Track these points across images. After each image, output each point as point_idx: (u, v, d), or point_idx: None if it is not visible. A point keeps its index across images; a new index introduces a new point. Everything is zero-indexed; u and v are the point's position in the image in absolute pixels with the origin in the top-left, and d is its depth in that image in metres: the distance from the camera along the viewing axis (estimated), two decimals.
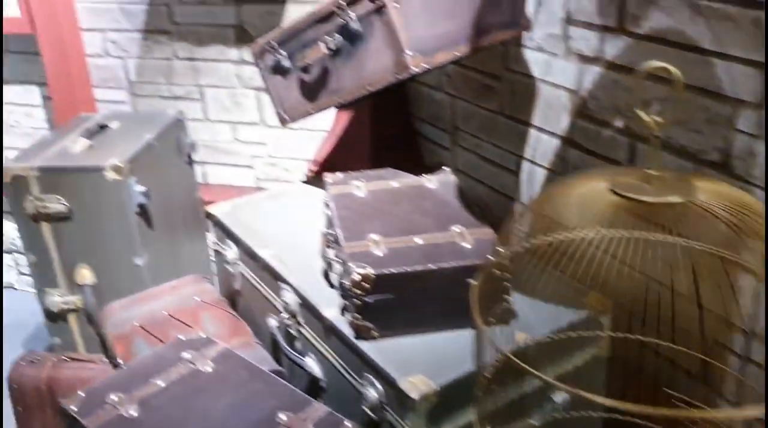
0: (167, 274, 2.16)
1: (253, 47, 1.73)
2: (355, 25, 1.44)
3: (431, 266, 1.23)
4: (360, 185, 1.49)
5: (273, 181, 2.56)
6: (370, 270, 1.21)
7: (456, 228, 1.32)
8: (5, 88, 2.69)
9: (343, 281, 1.27)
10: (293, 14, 2.27)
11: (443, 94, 1.97)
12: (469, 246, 1.27)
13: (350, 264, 1.23)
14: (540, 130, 1.63)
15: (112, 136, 2.14)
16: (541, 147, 1.63)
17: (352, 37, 1.45)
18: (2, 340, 2.76)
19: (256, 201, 1.83)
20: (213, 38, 2.40)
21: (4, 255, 2.95)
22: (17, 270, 2.97)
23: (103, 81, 2.58)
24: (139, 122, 2.22)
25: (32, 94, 2.68)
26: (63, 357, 1.87)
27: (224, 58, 2.42)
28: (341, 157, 2.19)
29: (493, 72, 1.74)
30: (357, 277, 1.20)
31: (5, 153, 2.72)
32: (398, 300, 1.23)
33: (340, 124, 2.20)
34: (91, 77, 2.58)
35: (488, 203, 1.86)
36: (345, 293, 1.27)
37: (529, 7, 1.56)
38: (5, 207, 2.10)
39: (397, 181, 1.52)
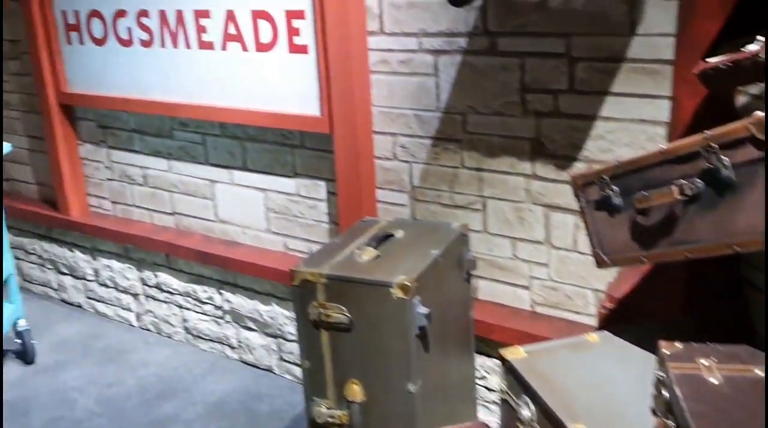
0: (437, 403, 2.00)
1: (576, 176, 1.55)
2: (727, 173, 1.19)
3: None
4: (710, 366, 1.21)
5: (552, 307, 2.33)
6: None
7: None
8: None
9: None
10: (600, 131, 2.08)
11: None
12: None
13: None
14: None
15: (399, 247, 2.07)
16: None
17: (720, 185, 1.21)
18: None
19: (555, 350, 1.61)
20: (505, 149, 2.28)
21: (268, 338, 3.03)
22: (279, 355, 3.03)
23: (387, 183, 2.57)
24: (425, 234, 2.14)
25: (319, 188, 2.76)
26: None
27: (514, 170, 2.28)
28: (644, 297, 1.90)
29: None
30: None
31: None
32: None
33: None
34: (376, 178, 2.58)
35: None
36: None
37: None
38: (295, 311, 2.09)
39: (760, 366, 1.20)
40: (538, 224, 2.29)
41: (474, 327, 2.30)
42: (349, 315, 1.91)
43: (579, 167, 2.15)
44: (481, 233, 2.40)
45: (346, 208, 2.60)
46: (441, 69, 2.33)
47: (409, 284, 1.82)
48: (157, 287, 3.38)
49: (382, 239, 2.10)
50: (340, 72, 2.45)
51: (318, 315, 1.94)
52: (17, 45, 3.61)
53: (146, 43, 2.97)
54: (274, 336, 3.02)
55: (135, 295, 3.49)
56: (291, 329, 2.94)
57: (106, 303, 3.63)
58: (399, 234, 2.15)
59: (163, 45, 2.92)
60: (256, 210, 2.98)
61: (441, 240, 2.08)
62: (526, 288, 2.37)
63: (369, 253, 2.01)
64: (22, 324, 3.20)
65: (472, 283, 2.27)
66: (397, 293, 1.83)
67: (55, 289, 3.87)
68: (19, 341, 3.21)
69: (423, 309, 1.85)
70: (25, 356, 3.22)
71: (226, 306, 3.15)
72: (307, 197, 2.82)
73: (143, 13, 2.93)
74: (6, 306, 3.15)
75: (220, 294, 3.15)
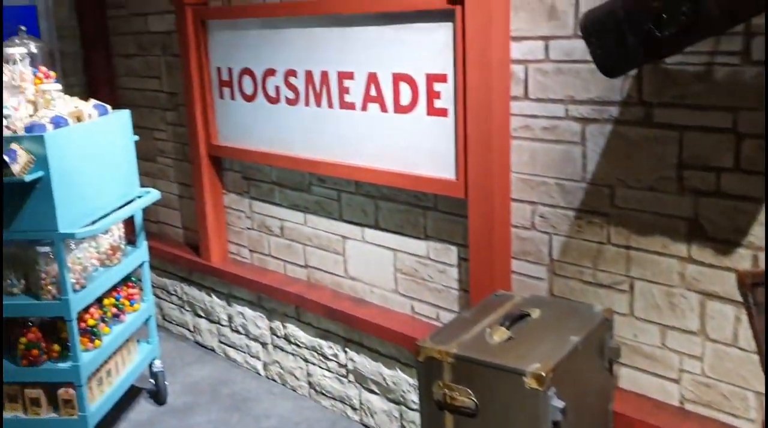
0: None
1: (744, 274, 1.36)
2: None
3: None
4: None
5: (704, 405, 2.08)
6: None
7: None
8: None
9: None
10: None
11: None
12: None
13: None
14: None
15: (534, 329, 1.93)
16: None
17: None
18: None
19: None
20: (657, 228, 2.09)
21: (390, 404, 2.94)
22: (401, 423, 2.93)
23: (523, 253, 2.44)
24: (564, 316, 1.99)
25: (450, 253, 2.67)
26: None
27: (667, 251, 2.08)
28: None
29: None
30: None
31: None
32: None
33: None
34: (512, 247, 2.46)
35: None
36: None
37: None
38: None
39: None
40: (692, 312, 2.06)
41: (613, 421, 2.09)
42: (475, 400, 1.79)
43: (742, 254, 1.92)
44: (626, 316, 2.21)
45: (478, 277, 2.49)
46: (588, 138, 2.19)
47: (544, 374, 1.68)
48: (286, 338, 3.40)
49: (516, 318, 1.97)
50: (479, 136, 2.37)
51: (443, 396, 1.84)
52: (175, 97, 3.84)
53: (292, 101, 3.05)
54: (397, 403, 2.93)
55: (264, 344, 3.54)
56: (414, 397, 2.84)
57: (237, 350, 3.70)
58: (535, 314, 2.01)
59: (307, 104, 2.98)
60: (384, 269, 2.94)
61: (582, 325, 1.92)
62: (675, 381, 2.14)
63: (501, 334, 1.89)
64: (158, 365, 3.32)
65: (614, 373, 2.07)
66: (530, 383, 1.69)
67: (191, 331, 4.01)
68: (153, 381, 3.32)
69: (558, 403, 1.70)
70: (158, 397, 3.32)
71: (350, 365, 3.11)
72: (437, 261, 2.74)
73: (291, 73, 3.02)
74: (143, 346, 3.29)
75: (345, 352, 3.12)
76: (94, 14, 4.19)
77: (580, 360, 1.85)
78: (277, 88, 3.10)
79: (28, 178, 2.43)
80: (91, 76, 4.27)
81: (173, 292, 4.08)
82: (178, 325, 4.10)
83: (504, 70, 2.32)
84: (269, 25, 3.07)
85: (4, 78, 2.69)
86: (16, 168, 2.41)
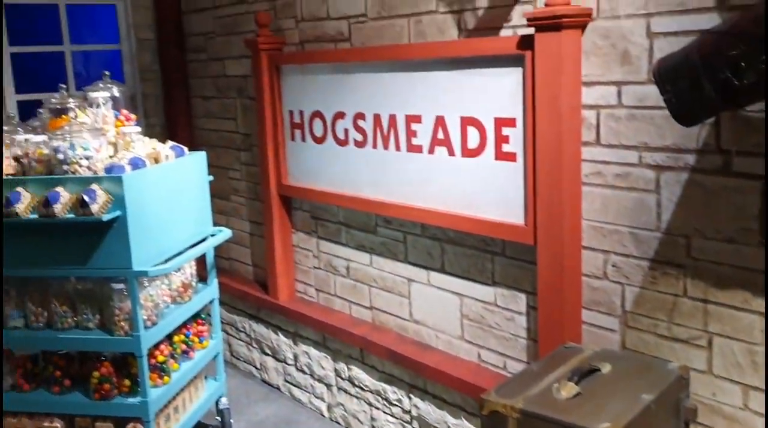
0: None
1: None
2: None
3: None
4: None
5: None
6: None
7: None
8: None
9: None
10: None
11: None
12: None
13: None
14: None
15: (604, 385, 1.85)
16: None
17: None
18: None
19: None
20: (737, 282, 1.98)
21: None
22: None
23: (594, 303, 2.35)
24: (636, 372, 1.90)
25: (519, 300, 2.61)
26: None
27: (748, 306, 1.97)
28: None
29: None
30: None
31: None
32: None
33: None
34: (583, 297, 2.38)
35: None
36: None
37: None
38: None
39: None
40: None
41: None
42: None
43: None
44: (704, 374, 2.09)
45: (547, 326, 2.41)
46: (663, 186, 2.11)
47: None
48: (350, 380, 3.38)
49: (586, 373, 1.89)
50: (548, 182, 2.32)
51: None
52: (249, 138, 3.95)
53: (360, 144, 3.08)
54: None
55: (328, 386, 3.52)
56: None
57: (302, 389, 3.70)
58: (605, 368, 1.93)
59: (375, 146, 3.00)
60: (450, 315, 2.89)
61: (655, 382, 1.83)
62: None
63: (569, 389, 1.82)
64: (224, 402, 3.35)
65: None
66: None
67: (257, 368, 4.04)
68: (219, 419, 3.35)
69: None
70: None
71: (414, 412, 3.05)
72: (504, 308, 2.68)
73: (360, 116, 3.05)
74: (211, 383, 3.33)
75: (409, 398, 3.07)
76: (175, 58, 4.37)
77: (652, 420, 1.75)
78: (346, 131, 3.14)
79: (105, 217, 2.53)
80: (171, 116, 4.44)
81: (242, 329, 4.14)
82: (245, 362, 4.14)
83: (575, 115, 2.28)
84: (339, 70, 3.12)
85: (88, 120, 2.82)
86: (94, 207, 2.51)
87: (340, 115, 3.16)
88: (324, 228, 3.50)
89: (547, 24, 2.22)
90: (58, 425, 2.84)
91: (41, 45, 4.63)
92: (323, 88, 3.22)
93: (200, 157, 3.20)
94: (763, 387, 1.97)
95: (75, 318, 2.80)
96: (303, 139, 3.41)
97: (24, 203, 2.58)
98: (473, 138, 2.59)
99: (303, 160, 3.45)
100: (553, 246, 2.35)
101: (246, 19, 3.78)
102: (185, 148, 3.13)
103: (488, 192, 2.58)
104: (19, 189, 2.62)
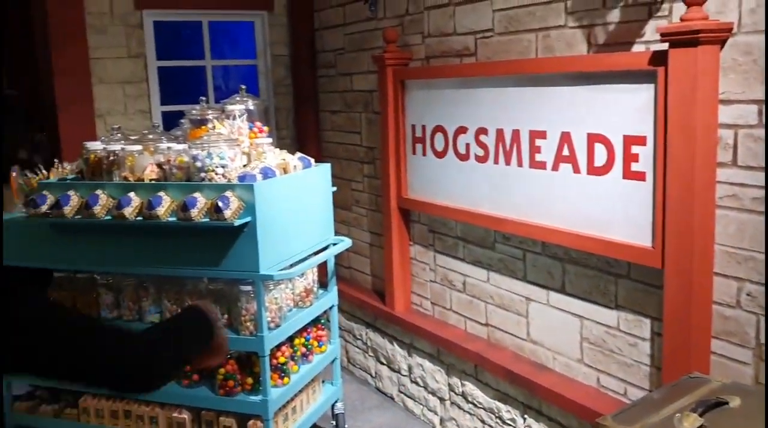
0: None
1: None
2: None
3: None
4: None
5: None
6: None
7: None
8: None
9: None
10: None
11: None
12: None
13: None
14: None
15: (731, 420, 1.74)
16: None
17: None
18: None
19: None
20: None
21: None
22: None
23: (726, 333, 2.22)
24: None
25: (643, 325, 2.51)
26: None
27: None
28: None
29: None
30: None
31: None
32: None
33: None
34: (713, 326, 2.25)
35: None
36: None
37: None
38: None
39: None
40: None
41: None
42: None
43: None
44: None
45: (673, 354, 2.30)
46: None
47: None
48: (463, 396, 3.37)
49: (712, 406, 1.79)
50: (679, 203, 2.23)
51: None
52: (372, 151, 4.04)
53: (481, 159, 3.08)
54: None
55: (442, 399, 3.53)
56: None
57: (415, 401, 3.73)
58: (734, 402, 1.82)
59: (496, 161, 2.99)
60: (569, 337, 2.82)
61: None
62: None
63: (692, 421, 1.73)
64: (339, 407, 3.43)
65: None
66: None
67: (372, 376, 4.11)
68: (334, 422, 3.44)
69: None
70: None
71: None
72: (627, 333, 2.58)
73: (482, 131, 3.05)
74: (327, 387, 3.42)
75: (524, 418, 3.02)
76: (306, 74, 4.56)
77: None
78: (468, 145, 3.15)
79: (236, 222, 2.67)
80: (301, 129, 4.63)
81: (359, 337, 4.22)
82: (361, 369, 4.22)
83: (710, 134, 2.17)
84: (464, 85, 3.14)
85: (225, 131, 3.00)
86: (227, 213, 2.66)
87: (462, 130, 3.18)
88: (441, 242, 3.52)
89: (682, 39, 2.14)
90: (186, 416, 3.01)
91: (184, 59, 4.98)
92: (446, 102, 3.25)
93: (325, 169, 3.32)
94: None
95: None
96: (424, 152, 3.45)
97: (164, 207, 2.77)
98: (600, 155, 2.52)
99: (423, 173, 3.49)
100: (682, 270, 2.25)
101: (374, 36, 3.89)
102: (312, 160, 3.26)
103: (614, 211, 2.50)
104: (161, 193, 2.81)
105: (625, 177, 2.45)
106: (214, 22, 4.59)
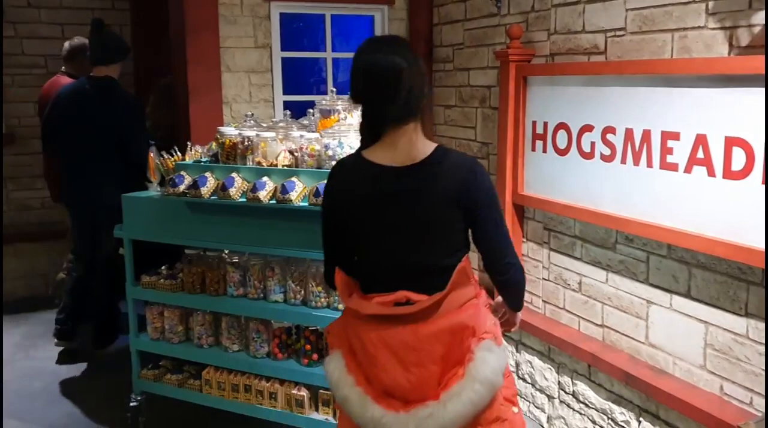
0: None
1: None
2: None
3: None
4: None
5: None
6: None
7: None
8: None
9: None
10: None
11: None
12: None
13: None
14: None
15: None
16: None
17: None
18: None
19: None
20: None
21: None
22: None
23: None
24: None
25: None
26: None
27: None
28: None
29: None
30: None
31: None
32: None
33: None
34: None
35: None
36: None
37: None
38: None
39: None
40: None
41: None
42: None
43: None
44: None
45: None
46: None
47: None
48: (574, 395, 3.36)
49: None
50: None
51: None
52: (486, 147, 4.07)
53: (607, 158, 3.05)
54: None
55: (550, 397, 3.53)
56: None
57: (522, 397, 3.74)
58: None
59: (624, 161, 2.96)
60: (693, 342, 2.77)
61: None
62: None
63: None
64: None
65: None
66: None
67: None
68: None
69: None
70: None
71: None
72: (757, 341, 2.51)
73: (609, 130, 3.03)
74: None
75: (639, 421, 2.98)
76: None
77: None
78: (593, 144, 3.13)
79: None
80: None
81: None
82: None
83: None
84: (591, 83, 3.12)
85: (354, 122, 3.10)
86: None
87: (587, 128, 3.16)
88: (557, 241, 3.51)
89: None
90: (305, 394, 3.15)
91: (305, 51, 5.15)
92: (572, 100, 3.24)
93: None
94: None
95: (327, 299, 3.09)
96: (544, 150, 3.45)
97: (297, 191, 2.90)
98: (738, 159, 2.46)
99: (542, 170, 3.49)
100: None
101: (496, 32, 3.91)
102: None
103: (750, 216, 2.44)
104: (294, 178, 2.95)
105: (764, 182, 2.38)
106: (335, 15, 4.72)
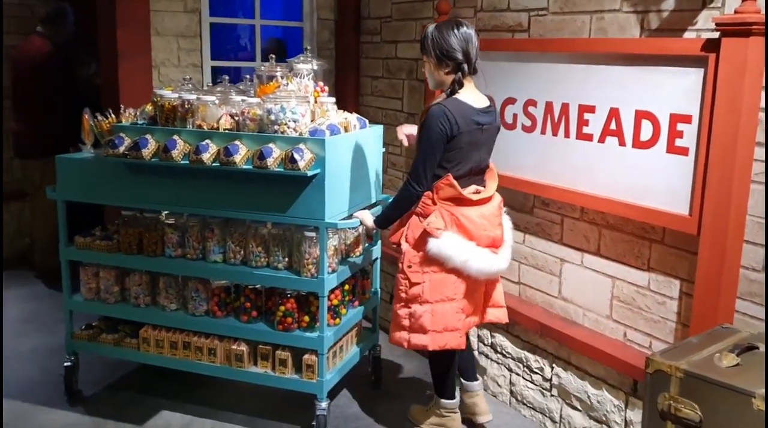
0: None
1: None
2: None
3: None
4: None
5: None
6: None
7: None
8: None
9: None
10: None
11: None
12: None
13: None
14: None
15: (762, 360, 2.03)
16: None
17: None
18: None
19: None
20: None
21: (592, 421, 3.08)
22: None
23: (750, 294, 2.51)
24: None
25: (672, 286, 2.79)
26: None
27: None
28: None
29: None
30: None
31: None
32: None
33: None
34: (739, 287, 2.54)
35: None
36: None
37: None
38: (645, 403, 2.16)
39: None
40: None
41: None
42: (700, 414, 1.93)
43: None
44: None
45: (702, 312, 2.59)
46: None
47: None
48: (492, 347, 3.66)
49: (745, 349, 2.08)
50: (719, 177, 2.49)
51: (668, 407, 2.00)
52: (413, 117, 4.27)
53: (528, 129, 3.33)
54: (599, 421, 3.07)
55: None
56: (617, 418, 2.97)
57: None
58: (762, 348, 2.11)
59: (543, 132, 3.24)
60: (600, 295, 3.10)
61: None
62: None
63: (730, 359, 2.02)
64: (378, 351, 3.71)
65: None
66: (758, 404, 1.81)
67: None
68: (371, 366, 3.72)
69: None
70: (375, 380, 3.72)
71: (555, 381, 3.30)
72: (657, 292, 2.86)
73: (531, 103, 3.30)
74: (367, 333, 3.69)
75: (552, 367, 3.31)
76: (350, 39, 4.77)
77: None
78: (515, 116, 3.40)
79: (309, 173, 2.91)
80: (341, 92, 4.85)
81: None
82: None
83: (753, 116, 2.43)
84: (514, 59, 3.38)
85: (294, 88, 3.22)
86: (302, 164, 2.90)
87: (510, 101, 3.42)
88: None
89: (735, 30, 2.39)
90: (244, 348, 3.28)
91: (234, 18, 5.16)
92: (496, 74, 3.48)
93: (378, 130, 3.56)
94: None
95: (267, 259, 3.23)
96: None
97: (241, 154, 3.01)
98: (646, 130, 2.78)
99: None
100: (717, 237, 2.52)
101: (425, 6, 4.10)
102: (367, 121, 3.49)
103: (654, 182, 2.77)
104: (237, 142, 3.05)
105: (668, 151, 2.71)
106: None
